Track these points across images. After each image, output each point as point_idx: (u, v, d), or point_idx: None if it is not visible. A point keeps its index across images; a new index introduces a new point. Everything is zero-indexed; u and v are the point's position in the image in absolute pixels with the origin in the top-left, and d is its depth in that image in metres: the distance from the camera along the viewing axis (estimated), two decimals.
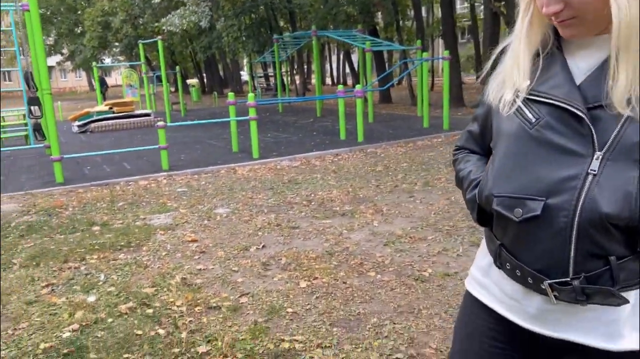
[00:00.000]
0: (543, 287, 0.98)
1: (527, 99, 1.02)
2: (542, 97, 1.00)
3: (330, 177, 6.94)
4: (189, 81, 37.25)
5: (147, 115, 14.89)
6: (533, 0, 1.03)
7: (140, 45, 15.63)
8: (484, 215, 1.12)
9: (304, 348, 2.68)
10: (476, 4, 21.50)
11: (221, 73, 38.26)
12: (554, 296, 0.98)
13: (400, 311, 3.06)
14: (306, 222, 4.93)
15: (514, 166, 1.01)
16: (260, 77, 35.80)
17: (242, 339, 2.80)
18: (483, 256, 1.18)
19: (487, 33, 15.46)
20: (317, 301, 3.24)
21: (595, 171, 0.91)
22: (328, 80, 39.90)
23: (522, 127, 1.01)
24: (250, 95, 8.67)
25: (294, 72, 28.96)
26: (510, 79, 1.07)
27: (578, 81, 0.98)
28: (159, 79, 17.81)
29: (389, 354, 2.59)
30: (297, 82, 27.05)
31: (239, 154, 9.11)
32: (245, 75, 31.20)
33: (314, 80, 25.10)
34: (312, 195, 6.00)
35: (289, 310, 3.12)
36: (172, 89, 32.17)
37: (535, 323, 1.05)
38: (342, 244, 4.29)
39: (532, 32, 1.05)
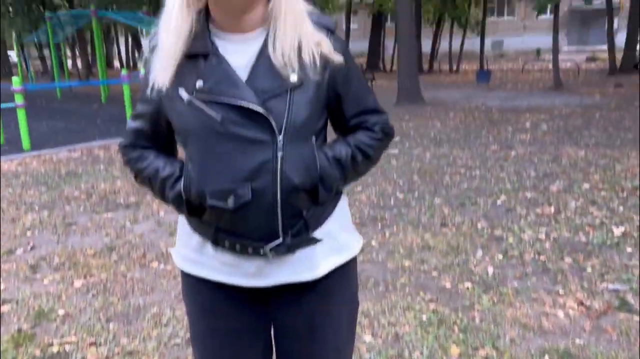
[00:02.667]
0: (262, 252, 1.16)
1: (206, 100, 1.09)
2: (221, 98, 1.08)
3: (115, 167, 6.58)
4: None
5: None
6: None
7: None
8: (191, 208, 1.18)
9: (75, 349, 2.55)
10: None
11: None
12: (272, 256, 1.17)
13: (180, 298, 3.09)
14: (85, 218, 4.62)
15: (214, 161, 1.10)
16: (35, 59, 31.91)
17: (4, 351, 2.55)
18: (189, 237, 1.25)
19: None
20: (93, 299, 3.09)
21: (282, 152, 1.09)
22: (117, 64, 37.29)
23: (210, 126, 1.08)
24: (15, 79, 7.70)
25: (76, 54, 26.44)
26: (180, 77, 1.10)
27: (244, 77, 1.10)
28: None
29: (167, 341, 2.61)
30: (79, 65, 24.75)
31: (5, 146, 8.06)
32: (14, 56, 27.50)
33: None
34: (94, 188, 5.62)
35: (60, 312, 2.92)
36: None
37: (255, 279, 1.21)
38: (124, 237, 4.13)
39: (186, 25, 1.09)
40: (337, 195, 1.28)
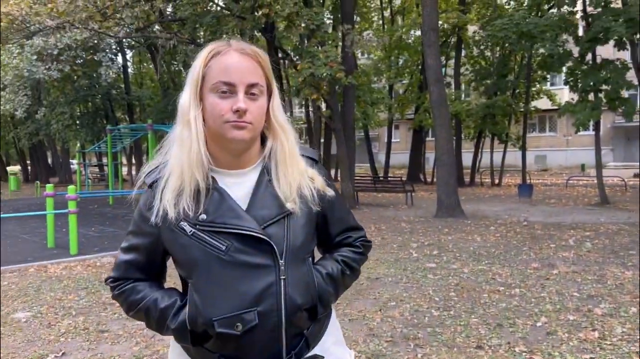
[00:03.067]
0: None
1: (210, 230, 1.17)
2: (225, 228, 1.16)
3: None
4: (9, 168, 33.92)
5: None
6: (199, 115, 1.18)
7: None
8: (194, 337, 1.19)
9: None
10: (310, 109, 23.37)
11: (49, 161, 35.59)
12: None
13: None
14: (118, 325, 4.67)
15: (220, 289, 1.16)
16: (95, 166, 34.02)
17: None
18: None
19: (316, 136, 16.80)
20: None
21: (284, 276, 1.17)
22: None
23: (214, 255, 1.16)
24: (71, 187, 8.21)
25: (132, 162, 28.06)
26: (184, 210, 1.18)
27: (243, 207, 1.20)
28: None
29: None
30: (134, 172, 26.18)
31: (54, 250, 8.41)
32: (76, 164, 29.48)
33: None
34: None
35: None
36: None
37: None
38: (152, 346, 4.13)
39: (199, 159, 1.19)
40: (328, 313, 1.35)
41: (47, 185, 8.80)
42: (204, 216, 1.17)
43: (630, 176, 25.16)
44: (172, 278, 1.38)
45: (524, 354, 3.77)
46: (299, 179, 1.24)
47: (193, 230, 1.17)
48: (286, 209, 1.21)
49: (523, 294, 5.34)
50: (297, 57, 13.01)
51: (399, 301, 5.22)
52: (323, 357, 1.26)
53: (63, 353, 4.01)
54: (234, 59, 1.17)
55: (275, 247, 1.17)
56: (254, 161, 1.26)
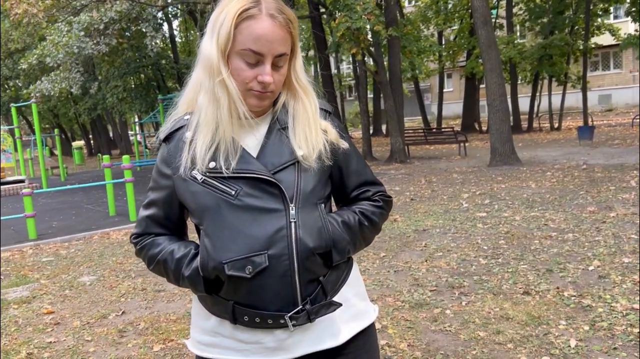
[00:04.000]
0: (282, 322, 1.17)
1: (219, 176, 1.18)
2: (236, 173, 1.17)
3: None
4: (74, 143, 35.63)
5: (21, 181, 14.02)
6: (228, 75, 1.16)
7: (13, 109, 14.88)
8: (208, 284, 1.21)
9: None
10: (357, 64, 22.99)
11: (110, 134, 37.08)
12: (292, 324, 1.17)
13: None
14: (173, 285, 4.90)
15: (230, 233, 1.16)
16: (152, 136, 35.15)
17: None
18: (205, 319, 1.28)
19: (363, 91, 16.57)
20: None
21: (295, 218, 1.16)
22: None
23: (225, 200, 1.17)
24: (125, 157, 8.54)
25: None
26: (198, 161, 1.19)
27: (254, 155, 1.21)
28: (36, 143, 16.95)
29: None
30: (154, 140, 26.89)
31: (115, 217, 8.86)
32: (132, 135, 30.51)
33: None
34: None
35: None
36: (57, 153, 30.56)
37: (277, 354, 1.22)
38: None
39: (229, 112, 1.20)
40: (349, 262, 1.33)
41: (104, 156, 9.20)
42: (213, 164, 1.18)
43: None
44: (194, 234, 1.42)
45: (572, 298, 3.68)
46: (321, 141, 1.24)
47: (204, 177, 1.18)
48: (296, 156, 1.21)
49: (576, 239, 5.17)
50: (336, 10, 12.71)
51: (446, 251, 5.19)
52: (340, 304, 1.23)
53: (123, 312, 4.27)
54: (266, 29, 1.14)
55: (285, 191, 1.17)
56: (264, 112, 1.26)
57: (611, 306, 3.48)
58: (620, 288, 3.78)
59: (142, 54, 19.40)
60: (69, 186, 10.47)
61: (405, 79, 23.33)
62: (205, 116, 1.19)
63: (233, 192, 1.17)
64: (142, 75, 23.14)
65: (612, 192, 7.35)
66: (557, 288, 3.91)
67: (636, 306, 3.43)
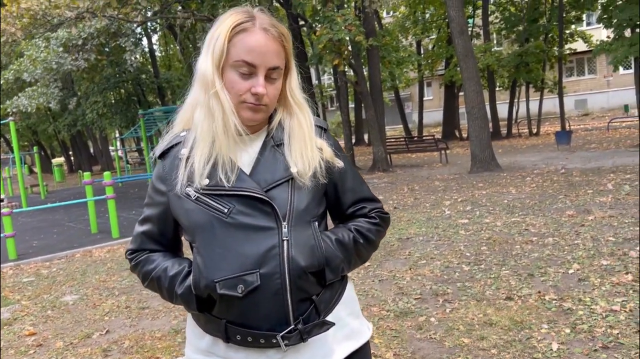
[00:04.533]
0: (275, 341, 1.16)
1: (213, 194, 1.18)
2: (228, 191, 1.18)
3: None
4: (54, 160, 35.20)
5: (0, 201, 13.81)
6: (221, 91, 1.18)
7: None
8: (200, 303, 1.20)
9: None
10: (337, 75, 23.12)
11: (91, 150, 36.71)
12: (285, 344, 1.16)
13: None
14: (158, 301, 4.87)
15: (222, 251, 1.16)
16: (134, 151, 34.90)
17: None
18: (200, 338, 1.27)
19: (344, 102, 16.69)
20: None
21: (287, 237, 1.16)
22: None
23: (217, 218, 1.17)
24: (106, 174, 8.48)
25: None
26: (196, 177, 1.19)
27: (247, 172, 1.21)
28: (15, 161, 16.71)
29: None
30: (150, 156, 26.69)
31: (97, 235, 8.77)
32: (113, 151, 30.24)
33: None
34: None
35: None
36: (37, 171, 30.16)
37: None
38: None
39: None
40: (344, 281, 1.32)
41: (85, 173, 9.11)
42: (207, 181, 1.18)
43: None
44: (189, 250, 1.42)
45: (553, 302, 3.75)
46: (317, 159, 1.24)
47: (197, 194, 1.18)
48: (290, 173, 1.21)
49: (556, 243, 5.26)
50: (316, 23, 12.82)
51: (430, 258, 5.24)
52: (333, 323, 1.22)
53: (107, 331, 4.22)
54: (260, 41, 1.16)
55: (277, 209, 1.16)
56: (258, 129, 1.27)
57: (591, 309, 3.54)
58: (599, 290, 3.86)
59: (121, 69, 19.32)
60: (49, 204, 10.35)
61: (386, 89, 23.54)
62: (202, 130, 1.19)
63: (226, 210, 1.17)
64: (122, 91, 23.01)
65: (590, 196, 7.49)
66: (539, 292, 3.97)
67: (615, 307, 3.50)
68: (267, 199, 1.17)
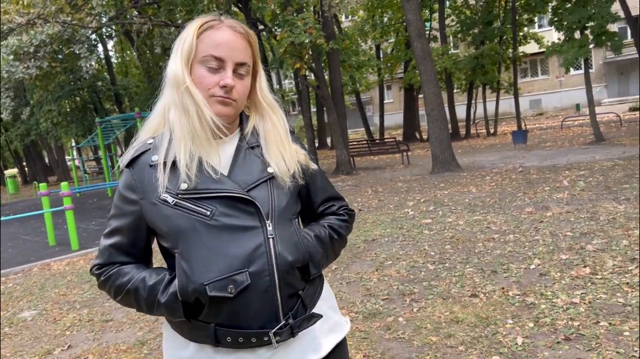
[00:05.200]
0: (266, 339, 1.17)
1: (193, 197, 1.17)
2: (209, 193, 1.17)
3: (156, 260, 6.78)
4: (7, 172, 33.92)
5: None
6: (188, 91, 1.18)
7: None
8: (186, 309, 1.18)
9: None
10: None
11: (46, 160, 35.58)
12: (276, 341, 1.18)
13: None
14: (121, 313, 4.75)
15: (209, 254, 1.15)
16: (92, 160, 33.99)
17: None
18: (182, 348, 1.24)
19: (306, 106, 16.73)
20: None
21: (272, 234, 1.18)
22: None
23: (200, 221, 1.16)
24: (64, 184, 8.23)
25: None
26: (173, 182, 1.18)
27: (225, 174, 1.22)
28: None
29: None
30: (115, 167, 26.16)
31: (55, 247, 8.49)
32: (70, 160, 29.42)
33: None
34: None
35: None
36: None
37: None
38: (156, 330, 4.21)
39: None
40: (321, 276, 1.37)
41: (41, 184, 8.82)
42: (185, 185, 1.17)
43: (626, 111, 25.06)
44: (159, 261, 1.38)
45: (517, 297, 3.84)
46: (295, 158, 1.28)
47: (175, 200, 1.17)
48: (268, 173, 1.23)
49: (517, 239, 5.40)
50: (276, 27, 12.81)
51: (396, 259, 5.29)
52: (321, 315, 1.27)
53: (69, 346, 4.09)
54: (227, 36, 1.20)
55: (260, 208, 1.18)
56: (231, 131, 1.28)
57: (552, 302, 3.65)
58: (559, 284, 3.97)
59: (76, 76, 18.83)
60: (3, 217, 9.96)
61: (347, 92, 23.70)
62: (180, 128, 1.19)
63: (208, 213, 1.16)
64: (78, 98, 22.42)
65: (547, 193, 7.73)
66: (502, 288, 4.06)
67: (575, 300, 3.61)
68: (251, 198, 1.18)
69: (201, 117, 1.18)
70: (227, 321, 1.17)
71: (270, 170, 1.24)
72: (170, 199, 1.17)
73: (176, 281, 1.17)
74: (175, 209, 1.17)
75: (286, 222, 1.23)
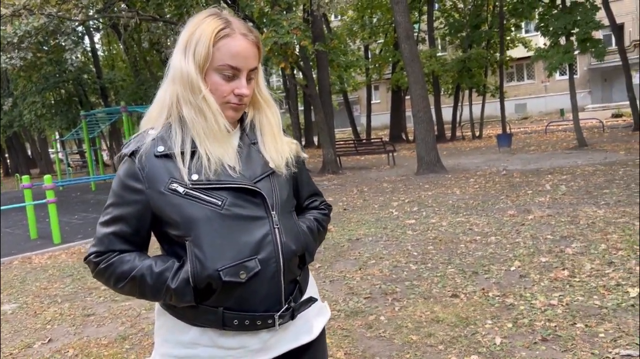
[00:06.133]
0: (270, 321, 1.26)
1: (204, 188, 1.22)
2: (220, 184, 1.23)
3: None
4: None
5: None
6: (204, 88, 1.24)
7: None
8: (197, 294, 1.22)
9: None
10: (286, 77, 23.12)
11: (29, 152, 35.11)
12: (279, 323, 1.28)
13: None
14: (103, 308, 4.73)
15: (222, 241, 1.21)
16: (76, 153, 33.62)
17: None
18: (183, 332, 1.28)
19: (293, 104, 16.74)
20: None
21: (278, 225, 1.27)
22: None
23: (212, 210, 1.21)
24: (47, 177, 8.15)
25: (112, 148, 27.78)
26: (169, 173, 1.22)
27: (232, 166, 1.28)
28: None
29: None
30: (115, 158, 25.95)
31: (37, 241, 8.41)
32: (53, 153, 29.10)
33: None
34: None
35: None
36: None
37: (259, 355, 1.29)
38: (138, 325, 4.20)
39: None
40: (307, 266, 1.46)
41: (23, 177, 8.73)
42: (196, 176, 1.22)
43: (608, 117, 25.44)
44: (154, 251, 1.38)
45: (497, 298, 3.90)
46: (287, 150, 1.37)
47: (186, 190, 1.21)
48: (270, 168, 1.31)
49: (499, 241, 5.47)
50: (263, 25, 12.79)
51: (379, 258, 5.33)
52: (316, 299, 1.40)
53: (50, 340, 4.07)
54: (242, 45, 1.25)
55: (267, 199, 1.27)
56: (234, 125, 1.35)
57: (531, 304, 3.71)
58: (538, 286, 4.05)
59: (61, 68, 18.60)
60: None
61: (335, 92, 23.74)
62: (195, 127, 1.24)
63: (220, 203, 1.22)
64: (63, 91, 22.17)
65: (529, 196, 7.84)
66: (483, 289, 4.13)
67: (553, 302, 3.68)
68: (259, 189, 1.26)
69: (217, 122, 1.25)
70: (236, 305, 1.24)
71: (271, 165, 1.31)
72: (180, 189, 1.21)
73: (187, 268, 1.20)
74: (185, 199, 1.21)
75: (288, 214, 1.32)
